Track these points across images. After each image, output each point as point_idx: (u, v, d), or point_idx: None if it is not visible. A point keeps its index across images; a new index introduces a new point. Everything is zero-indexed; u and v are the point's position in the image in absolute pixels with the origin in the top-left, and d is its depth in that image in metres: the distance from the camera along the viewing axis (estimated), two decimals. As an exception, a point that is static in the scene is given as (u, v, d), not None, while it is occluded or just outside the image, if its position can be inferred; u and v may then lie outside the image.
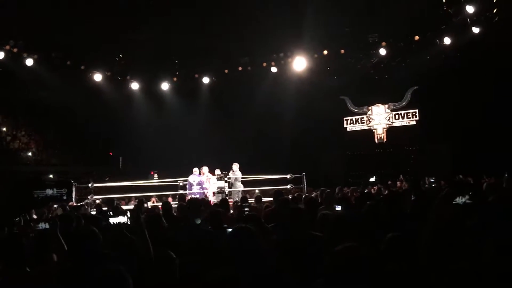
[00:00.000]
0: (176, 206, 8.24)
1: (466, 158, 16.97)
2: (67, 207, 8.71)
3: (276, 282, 2.61)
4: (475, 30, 14.45)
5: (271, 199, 8.44)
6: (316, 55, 17.50)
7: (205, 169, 13.67)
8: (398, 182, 14.79)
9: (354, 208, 5.49)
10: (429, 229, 2.88)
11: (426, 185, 10.04)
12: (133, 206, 10.29)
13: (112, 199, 10.20)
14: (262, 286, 2.50)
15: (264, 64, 18.23)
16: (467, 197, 3.43)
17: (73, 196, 11.15)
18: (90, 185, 13.37)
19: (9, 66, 16.54)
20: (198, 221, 4.73)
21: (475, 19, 14.27)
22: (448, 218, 2.98)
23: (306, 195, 9.19)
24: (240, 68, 18.47)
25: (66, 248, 3.71)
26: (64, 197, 4.71)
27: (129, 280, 2.36)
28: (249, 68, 18.49)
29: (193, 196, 12.01)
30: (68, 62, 17.45)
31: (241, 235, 2.64)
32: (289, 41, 17.18)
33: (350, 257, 2.44)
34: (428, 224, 2.93)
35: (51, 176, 23.53)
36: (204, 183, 13.35)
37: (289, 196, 8.87)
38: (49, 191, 4.50)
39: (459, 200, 3.41)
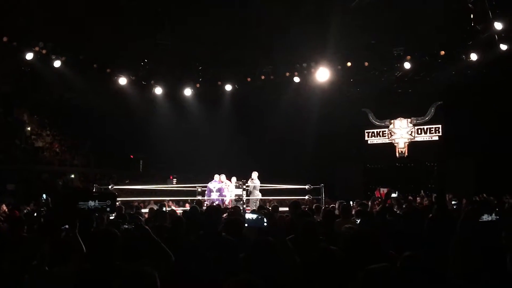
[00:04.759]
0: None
1: (490, 176, 16.62)
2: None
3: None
4: (503, 47, 14.21)
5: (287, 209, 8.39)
6: (339, 67, 17.38)
7: (222, 177, 13.81)
8: (418, 198, 14.57)
9: (374, 222, 5.43)
10: (457, 247, 2.84)
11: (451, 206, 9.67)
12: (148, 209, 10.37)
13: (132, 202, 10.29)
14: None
15: (287, 74, 18.21)
16: (493, 214, 3.38)
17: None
18: (110, 187, 13.56)
19: (37, 67, 16.90)
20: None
21: (503, 36, 14.04)
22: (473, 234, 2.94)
23: (325, 206, 9.11)
24: (263, 77, 18.49)
25: (84, 249, 3.74)
26: (108, 209, 4.71)
27: (158, 284, 2.38)
28: (272, 77, 18.48)
29: (211, 202, 12.15)
30: (95, 65, 17.75)
31: (262, 247, 2.64)
32: (313, 51, 17.15)
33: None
34: (455, 242, 2.89)
35: (72, 176, 23.95)
36: (224, 190, 13.49)
37: (306, 207, 8.83)
38: (92, 203, 4.52)
39: (486, 217, 3.36)
